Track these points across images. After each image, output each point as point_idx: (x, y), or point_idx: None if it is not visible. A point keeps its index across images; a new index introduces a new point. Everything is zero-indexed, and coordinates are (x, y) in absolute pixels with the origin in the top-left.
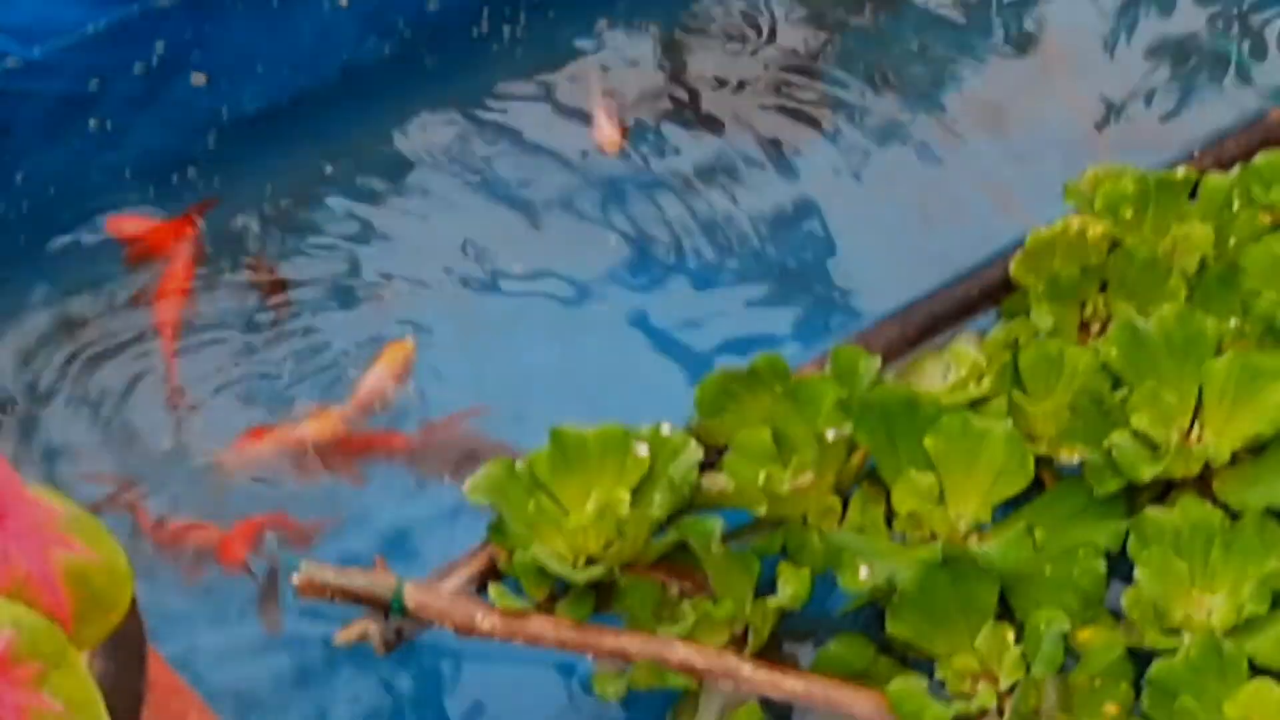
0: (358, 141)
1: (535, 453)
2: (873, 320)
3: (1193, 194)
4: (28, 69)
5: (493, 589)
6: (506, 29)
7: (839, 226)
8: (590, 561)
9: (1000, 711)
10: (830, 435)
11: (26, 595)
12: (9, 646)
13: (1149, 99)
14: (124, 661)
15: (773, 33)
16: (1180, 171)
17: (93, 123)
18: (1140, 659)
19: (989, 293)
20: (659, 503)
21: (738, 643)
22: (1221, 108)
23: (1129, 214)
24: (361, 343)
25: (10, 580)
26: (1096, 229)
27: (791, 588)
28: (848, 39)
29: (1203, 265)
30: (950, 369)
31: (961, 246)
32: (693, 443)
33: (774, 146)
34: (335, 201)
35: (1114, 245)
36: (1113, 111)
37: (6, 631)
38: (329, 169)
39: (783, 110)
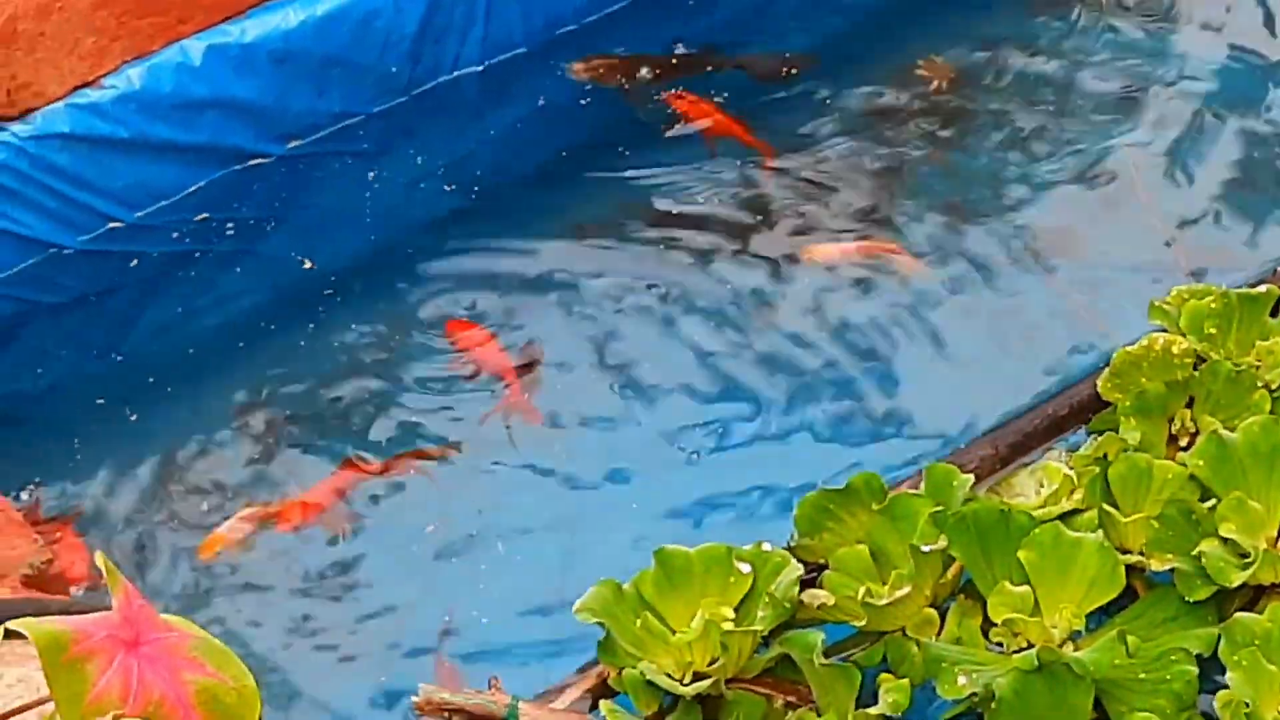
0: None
1: (641, 573)
2: (954, 443)
3: (1274, 311)
4: (130, 231)
5: (604, 706)
6: None
7: (918, 354)
8: (697, 676)
9: None
10: (926, 550)
11: (161, 717)
12: None
13: (1219, 219)
14: None
15: (834, 165)
16: (1262, 289)
17: (191, 281)
18: None
19: (1078, 410)
20: (762, 618)
21: None
22: None
23: (1213, 330)
24: None
25: (147, 703)
26: (1181, 345)
27: (892, 697)
28: (919, 171)
29: None
30: (1042, 484)
31: (1036, 370)
32: (793, 560)
33: (853, 276)
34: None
35: (1199, 361)
36: (1184, 233)
37: None
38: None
39: (858, 239)
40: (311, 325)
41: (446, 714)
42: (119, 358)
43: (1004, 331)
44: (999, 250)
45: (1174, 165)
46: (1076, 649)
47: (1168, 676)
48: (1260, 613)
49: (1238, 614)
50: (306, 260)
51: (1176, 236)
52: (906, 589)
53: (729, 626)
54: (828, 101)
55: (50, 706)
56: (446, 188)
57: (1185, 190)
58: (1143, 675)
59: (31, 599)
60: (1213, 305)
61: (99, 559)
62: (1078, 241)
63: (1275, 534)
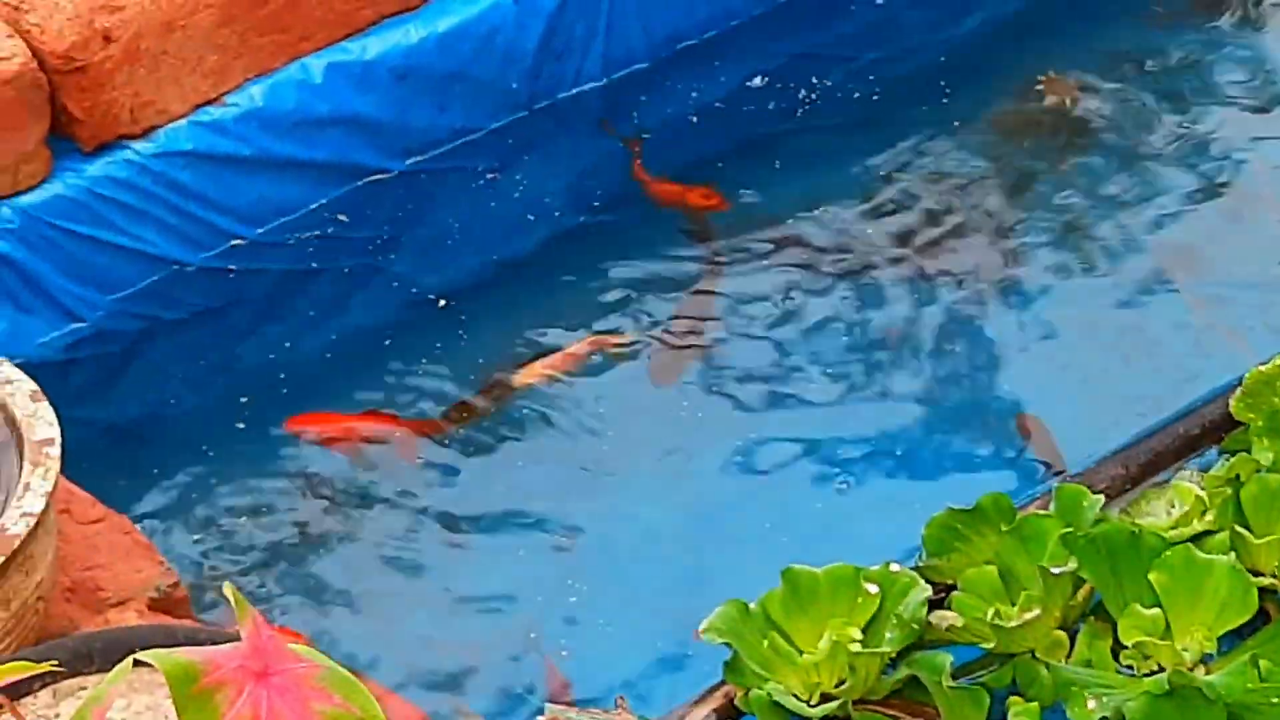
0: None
1: (769, 593)
2: (1079, 462)
3: None
4: (252, 248)
5: None
6: None
7: (1040, 372)
8: (825, 698)
9: None
10: (1056, 571)
11: None
12: None
13: None
14: None
15: (956, 180)
16: None
17: (312, 298)
18: None
19: (1210, 430)
20: (890, 639)
21: None
22: None
23: None
24: None
25: None
26: None
27: None
28: (1038, 186)
29: None
30: (1173, 504)
31: (1161, 388)
32: (921, 580)
33: (964, 293)
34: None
35: None
36: None
37: None
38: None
39: (972, 256)
40: (435, 342)
41: None
42: (241, 374)
43: (1129, 349)
44: (1122, 266)
45: None
46: (1208, 672)
47: None
48: None
49: None
50: (441, 299)
51: None
52: (1036, 611)
53: (856, 648)
54: (949, 116)
55: None
56: (567, 203)
57: None
58: (1275, 700)
59: (160, 625)
60: None
61: (227, 589)
62: (1205, 257)
63: None
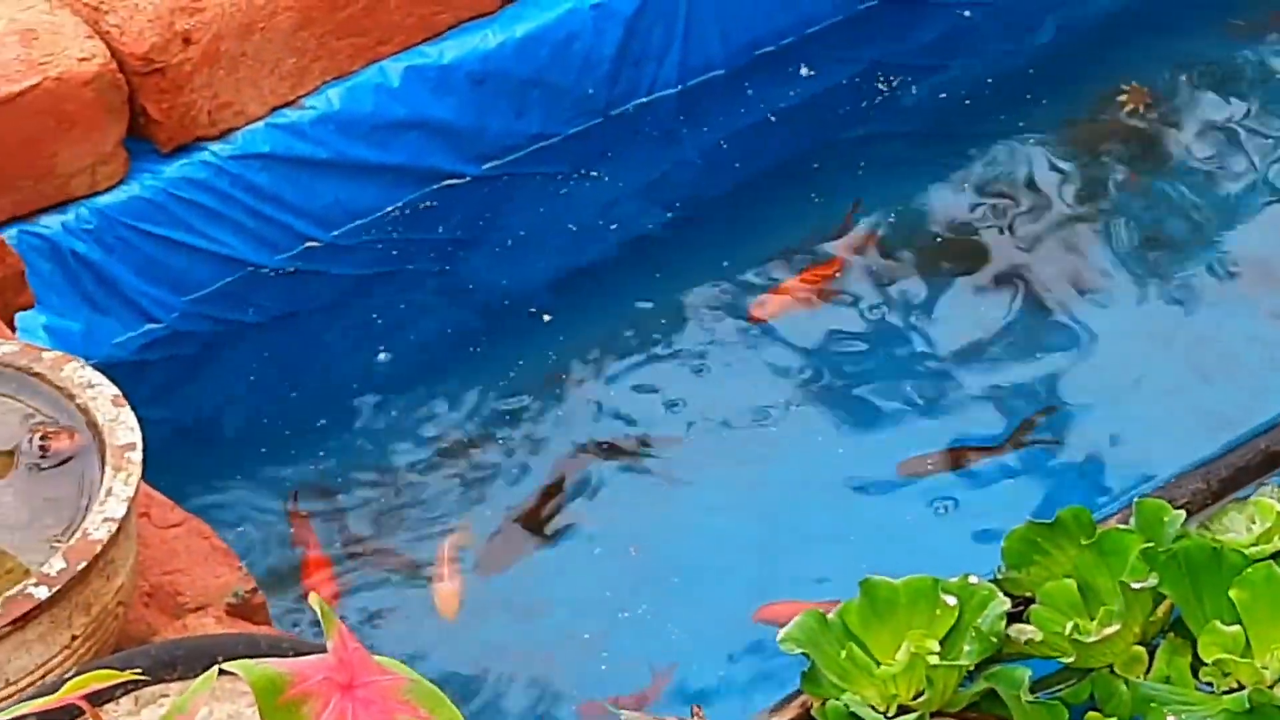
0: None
1: (846, 604)
2: (1155, 478)
3: None
4: (327, 251)
5: None
6: None
7: (1116, 386)
8: (902, 710)
9: None
10: (1136, 586)
11: None
12: None
13: None
14: None
15: (1034, 191)
16: None
17: (388, 301)
18: None
19: None
20: (968, 652)
21: None
22: None
23: None
24: None
25: None
26: None
27: None
28: (1112, 199)
29: None
30: (1254, 520)
31: (1238, 402)
32: (999, 593)
33: (1042, 305)
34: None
35: None
36: None
37: None
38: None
39: (1049, 268)
40: (508, 348)
41: None
42: (315, 377)
43: (1204, 362)
44: (1198, 277)
45: None
46: None
47: None
48: None
49: None
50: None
51: None
52: (1116, 626)
53: (934, 660)
54: (1029, 126)
55: None
56: (642, 210)
57: None
58: None
59: (243, 634)
60: None
61: (313, 600)
62: (1277, 269)
63: None
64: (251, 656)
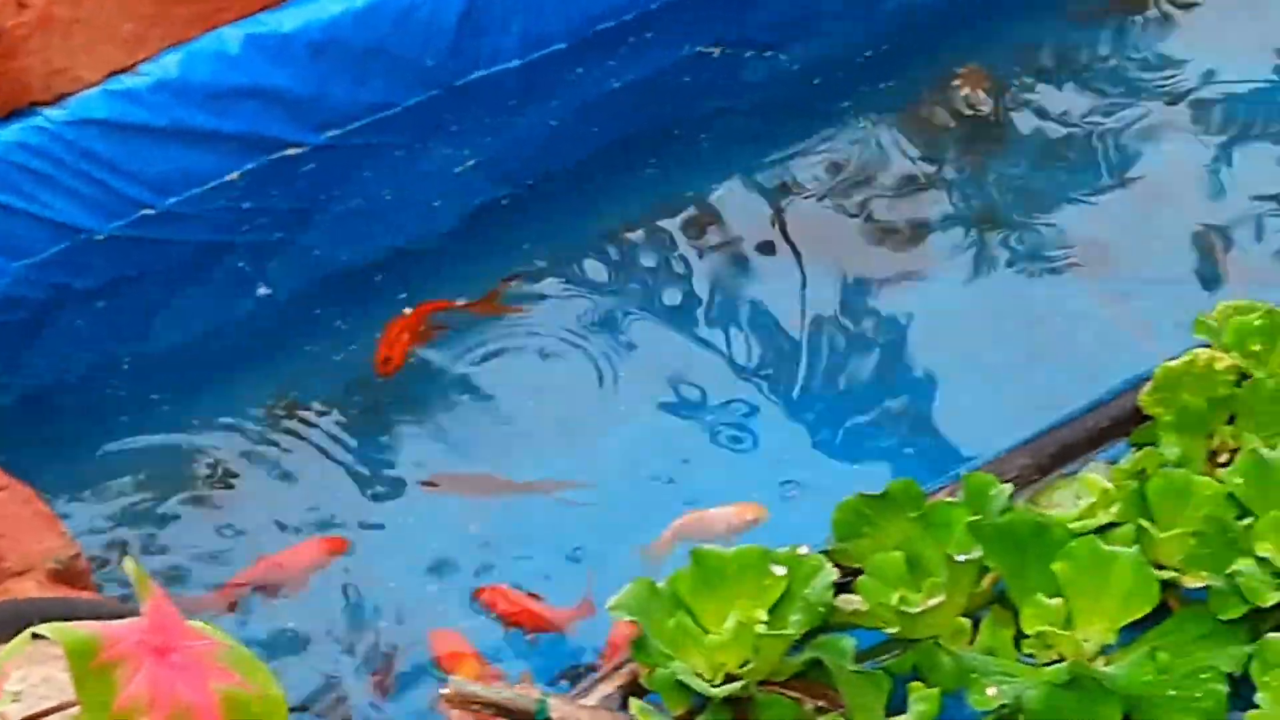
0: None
1: (677, 572)
2: (989, 453)
3: None
4: (163, 218)
5: (634, 705)
6: None
7: (949, 365)
8: (729, 678)
9: None
10: (961, 559)
11: None
12: None
13: (1259, 234)
14: None
15: (872, 170)
16: None
17: (224, 270)
18: None
19: (1119, 424)
20: (795, 622)
21: None
22: None
23: (1257, 347)
24: None
25: (175, 709)
26: (1224, 362)
27: (922, 706)
28: (948, 180)
29: None
30: (1080, 496)
31: (1067, 384)
32: (828, 564)
33: (876, 284)
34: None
35: (1242, 378)
36: (1219, 247)
37: None
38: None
39: (884, 247)
40: (341, 317)
41: (476, 707)
42: (152, 344)
43: (1038, 342)
44: (1032, 258)
45: (1217, 176)
46: (1108, 664)
47: (1198, 694)
48: None
49: (1270, 634)
50: (351, 274)
51: (1219, 249)
52: (940, 598)
53: (762, 629)
54: (863, 107)
55: (76, 710)
56: (481, 183)
57: (1228, 202)
58: (1173, 692)
59: (60, 598)
60: (1258, 322)
61: (128, 564)
62: (1117, 252)
63: None
64: (69, 620)
